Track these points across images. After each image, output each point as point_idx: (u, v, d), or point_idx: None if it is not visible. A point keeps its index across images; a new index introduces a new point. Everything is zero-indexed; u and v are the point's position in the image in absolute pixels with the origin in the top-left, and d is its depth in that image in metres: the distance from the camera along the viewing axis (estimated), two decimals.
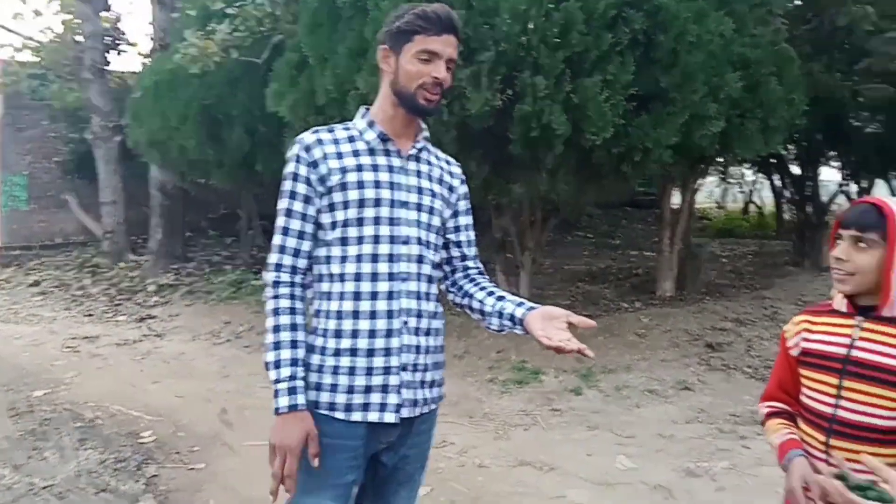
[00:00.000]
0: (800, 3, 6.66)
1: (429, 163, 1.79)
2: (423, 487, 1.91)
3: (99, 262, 10.24)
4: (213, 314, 7.22)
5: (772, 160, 9.47)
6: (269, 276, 1.67)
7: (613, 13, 4.70)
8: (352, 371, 1.63)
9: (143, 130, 8.24)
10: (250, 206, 10.16)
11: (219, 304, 7.55)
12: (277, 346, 1.61)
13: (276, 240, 1.68)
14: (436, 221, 1.75)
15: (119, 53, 11.36)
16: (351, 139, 1.71)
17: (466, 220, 1.87)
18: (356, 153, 1.69)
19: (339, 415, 1.63)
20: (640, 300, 6.72)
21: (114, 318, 7.46)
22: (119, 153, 10.17)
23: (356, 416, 1.63)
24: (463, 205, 1.86)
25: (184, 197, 10.02)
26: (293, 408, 1.58)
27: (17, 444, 3.86)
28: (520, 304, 1.68)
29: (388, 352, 1.64)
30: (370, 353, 1.63)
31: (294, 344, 1.62)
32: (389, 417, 1.65)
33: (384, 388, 1.64)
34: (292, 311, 1.64)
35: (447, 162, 1.87)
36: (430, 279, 1.73)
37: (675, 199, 7.41)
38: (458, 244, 1.84)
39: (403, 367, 1.66)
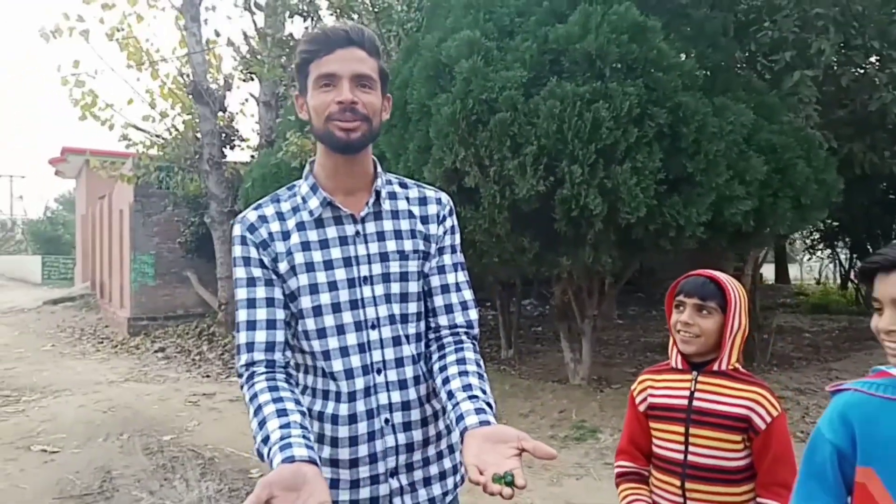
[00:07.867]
0: (832, 88, 6.88)
1: (393, 215, 1.46)
2: None
3: (215, 331, 11.47)
4: None
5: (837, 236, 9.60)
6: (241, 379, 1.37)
7: (638, 111, 5.33)
8: (334, 484, 1.39)
9: None
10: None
11: None
12: (262, 423, 1.26)
13: (241, 337, 1.36)
14: (413, 288, 1.44)
15: (232, 148, 12.41)
16: (295, 209, 1.43)
17: (442, 262, 1.49)
18: (301, 227, 1.41)
19: None
20: None
21: (227, 379, 8.46)
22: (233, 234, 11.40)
23: None
24: (444, 249, 1.49)
25: None
26: (289, 460, 1.17)
27: (151, 476, 4.81)
28: (462, 416, 1.29)
29: (373, 458, 1.39)
30: (353, 462, 1.39)
31: (282, 412, 1.26)
32: None
33: (372, 502, 1.41)
34: (273, 388, 1.31)
35: (422, 201, 1.50)
36: (415, 359, 1.44)
37: (768, 271, 7.68)
38: (432, 299, 1.48)
39: (392, 474, 1.41)
